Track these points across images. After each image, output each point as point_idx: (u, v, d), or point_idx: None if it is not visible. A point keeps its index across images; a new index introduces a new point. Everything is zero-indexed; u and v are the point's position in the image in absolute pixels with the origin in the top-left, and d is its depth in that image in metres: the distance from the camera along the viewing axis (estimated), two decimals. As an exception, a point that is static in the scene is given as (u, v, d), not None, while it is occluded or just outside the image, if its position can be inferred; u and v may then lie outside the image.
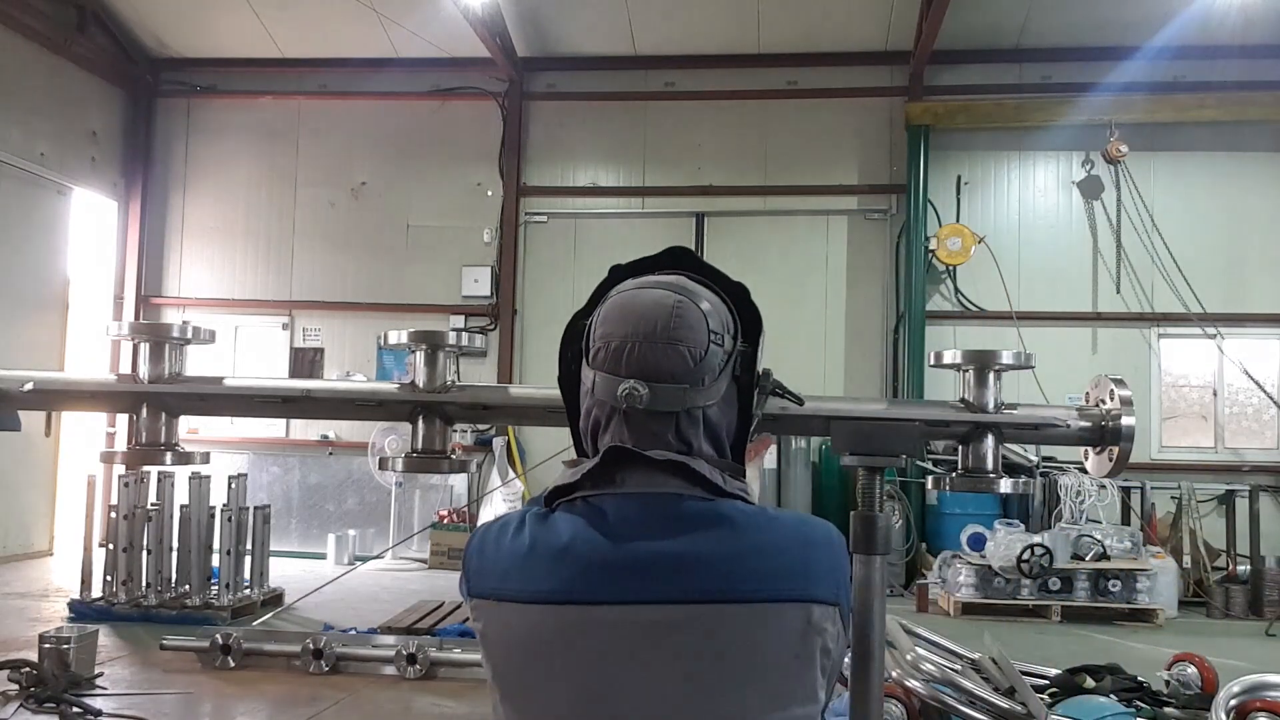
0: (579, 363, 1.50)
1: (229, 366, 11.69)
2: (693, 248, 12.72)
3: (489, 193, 12.16)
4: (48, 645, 5.79)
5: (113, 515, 8.03)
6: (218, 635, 6.40)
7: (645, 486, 1.36)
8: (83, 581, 8.00)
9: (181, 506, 8.11)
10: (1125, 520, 10.11)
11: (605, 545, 1.32)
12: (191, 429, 10.85)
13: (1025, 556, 8.76)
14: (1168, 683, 5.57)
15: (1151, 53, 10.75)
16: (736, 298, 1.60)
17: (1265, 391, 11.03)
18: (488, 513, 11.14)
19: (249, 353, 12.16)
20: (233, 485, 8.29)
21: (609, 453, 1.37)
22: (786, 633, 1.31)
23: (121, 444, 7.61)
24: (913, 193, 11.31)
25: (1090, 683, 5.36)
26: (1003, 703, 4.57)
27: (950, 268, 11.34)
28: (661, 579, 1.29)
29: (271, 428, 11.76)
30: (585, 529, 1.34)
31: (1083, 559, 8.99)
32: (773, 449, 10.47)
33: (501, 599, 1.36)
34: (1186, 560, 9.74)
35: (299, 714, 5.54)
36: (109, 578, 7.94)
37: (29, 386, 2.39)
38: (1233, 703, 4.83)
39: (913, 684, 4.76)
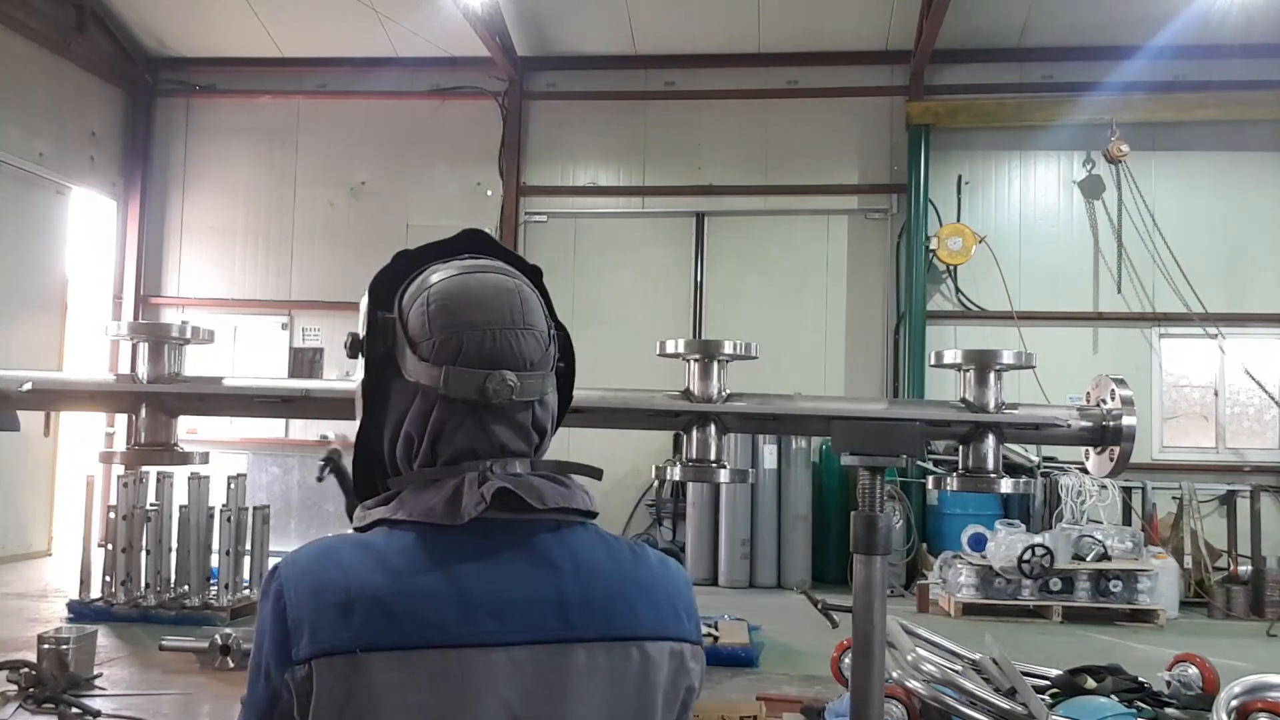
0: (388, 363, 1.32)
1: (228, 366, 11.67)
2: (694, 247, 12.80)
3: (489, 192, 12.15)
4: (46, 646, 5.78)
5: (111, 515, 8.02)
6: (217, 636, 6.38)
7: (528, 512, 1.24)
8: (81, 582, 7.99)
9: (180, 507, 8.11)
10: (1126, 520, 10.10)
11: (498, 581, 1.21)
12: (190, 429, 10.81)
13: (1026, 557, 8.75)
14: (1169, 683, 5.56)
15: (1152, 52, 10.74)
16: (535, 281, 1.46)
17: (1266, 391, 11.02)
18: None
19: (248, 353, 12.14)
20: (232, 485, 8.28)
21: (498, 494, 1.22)
22: (664, 671, 1.25)
23: (120, 444, 7.58)
24: (913, 192, 11.30)
25: (1091, 683, 5.35)
26: (1003, 703, 4.56)
27: (951, 267, 11.33)
28: (560, 616, 1.21)
29: (271, 428, 11.74)
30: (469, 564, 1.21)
31: (1084, 559, 8.98)
32: (773, 449, 10.47)
33: (374, 649, 1.13)
34: (1188, 561, 9.73)
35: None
36: (108, 578, 7.93)
37: (28, 386, 2.39)
38: (1234, 703, 4.82)
39: (913, 684, 4.75)
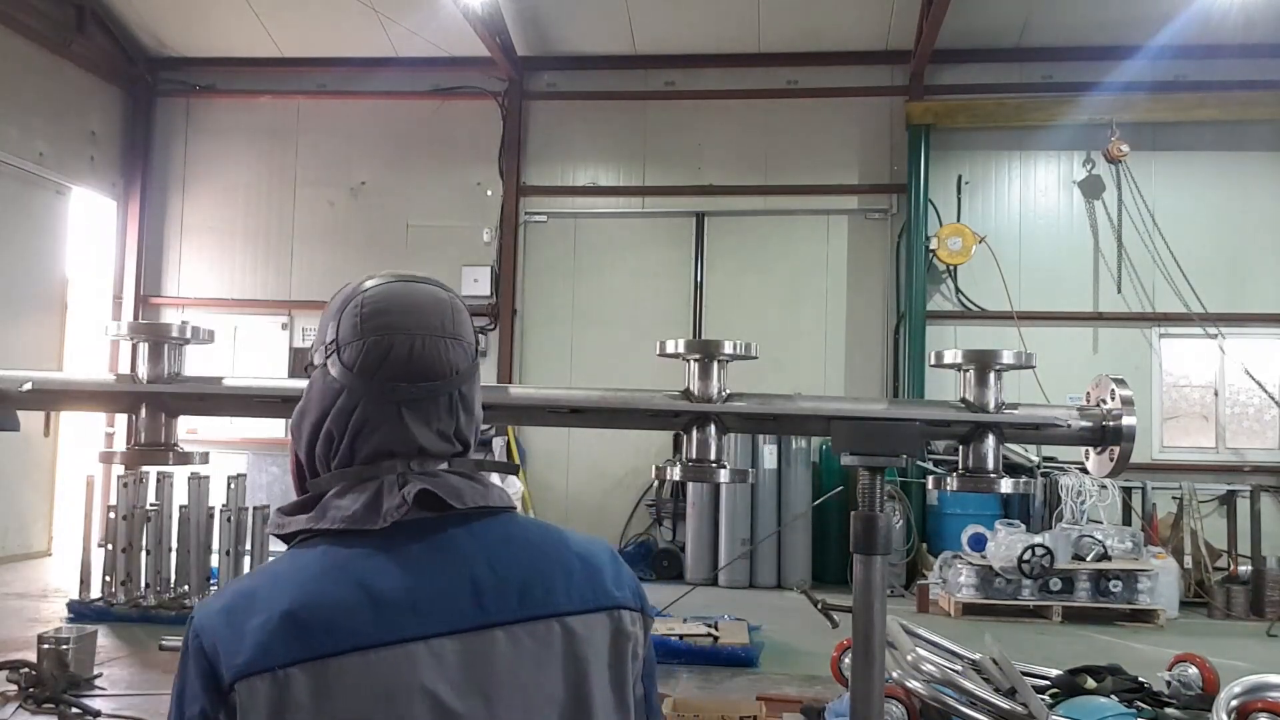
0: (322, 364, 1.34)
1: (228, 366, 11.67)
2: (694, 247, 12.80)
3: (489, 192, 12.15)
4: (46, 646, 5.78)
5: (111, 515, 8.02)
6: (217, 636, 6.37)
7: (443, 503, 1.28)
8: (81, 582, 7.99)
9: (180, 507, 8.11)
10: (1126, 520, 10.10)
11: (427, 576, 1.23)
12: (190, 429, 10.82)
13: (1026, 557, 8.75)
14: (1169, 683, 5.56)
15: (1153, 52, 10.75)
16: None
17: (1267, 391, 11.02)
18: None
19: (248, 353, 12.14)
20: (232, 485, 8.28)
21: (420, 495, 1.25)
22: (597, 642, 1.28)
23: (120, 444, 7.59)
24: (913, 192, 11.30)
25: (1091, 683, 5.35)
26: (1003, 703, 4.56)
27: (951, 267, 11.33)
28: (500, 600, 1.24)
29: (271, 428, 11.71)
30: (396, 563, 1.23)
31: (1084, 559, 8.98)
32: (773, 449, 10.48)
33: (293, 663, 1.13)
34: (1188, 560, 9.73)
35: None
36: (108, 578, 7.93)
37: (28, 386, 2.38)
38: (1234, 703, 4.82)
39: (913, 684, 4.75)
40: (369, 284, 1.35)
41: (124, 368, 2.51)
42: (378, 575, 1.20)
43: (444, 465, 1.30)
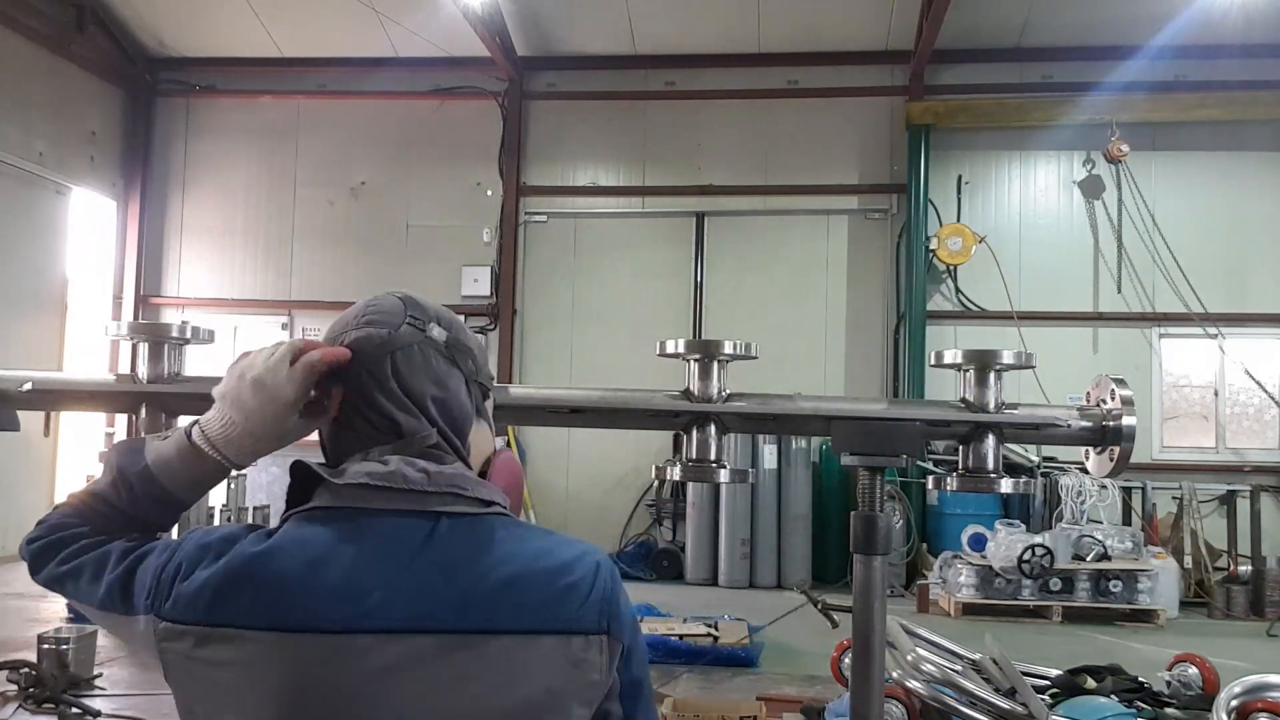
0: None
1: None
2: (694, 247, 12.79)
3: (489, 192, 12.15)
4: (46, 646, 5.78)
5: (112, 515, 8.01)
6: (217, 635, 6.37)
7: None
8: (82, 582, 7.97)
9: (181, 507, 8.09)
10: (1126, 520, 10.10)
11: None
12: (191, 429, 10.82)
13: (1026, 557, 8.75)
14: (1169, 683, 5.56)
15: (1153, 52, 10.74)
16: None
17: (1267, 391, 11.02)
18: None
19: (248, 353, 12.13)
20: (232, 485, 8.29)
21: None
22: (541, 665, 1.25)
23: (121, 444, 7.58)
24: (913, 192, 11.30)
25: (1091, 683, 5.35)
26: (1004, 703, 4.56)
27: (951, 267, 11.33)
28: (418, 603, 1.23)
29: (271, 428, 11.73)
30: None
31: (1084, 559, 8.98)
32: (773, 449, 10.47)
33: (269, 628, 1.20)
34: (1188, 561, 9.73)
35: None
36: (108, 578, 7.92)
37: (27, 387, 2.38)
38: (1234, 703, 4.81)
39: (913, 685, 4.75)
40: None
41: (124, 368, 2.50)
42: (325, 559, 1.23)
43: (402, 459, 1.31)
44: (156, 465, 1.37)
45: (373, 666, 1.19)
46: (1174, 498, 10.24)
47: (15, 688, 5.58)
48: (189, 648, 1.22)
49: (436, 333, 1.39)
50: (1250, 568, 9.57)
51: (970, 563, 9.07)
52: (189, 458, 1.38)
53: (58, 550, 1.36)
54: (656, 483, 11.19)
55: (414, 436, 1.34)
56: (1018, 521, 9.53)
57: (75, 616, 7.63)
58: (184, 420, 2.19)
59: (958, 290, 11.44)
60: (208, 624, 1.21)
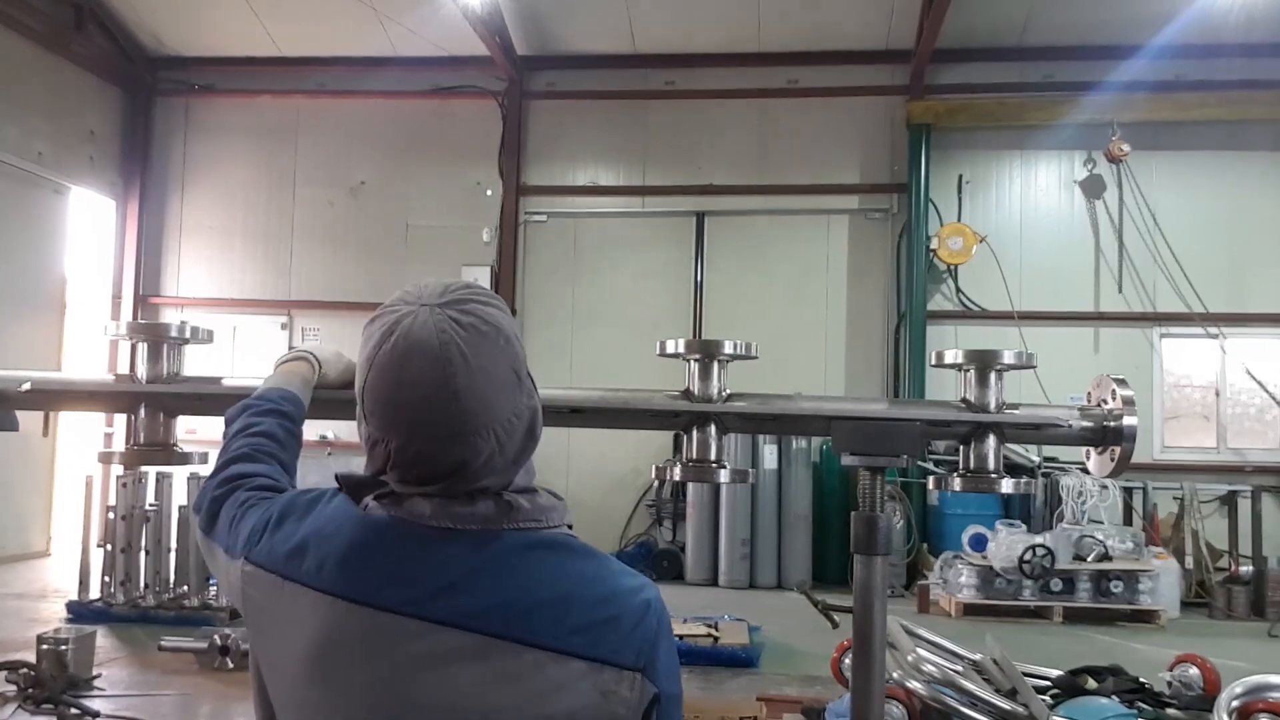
0: None
1: (227, 366, 11.66)
2: (694, 247, 12.79)
3: (488, 192, 12.14)
4: (45, 646, 5.77)
5: (110, 516, 8.01)
6: (216, 636, 6.38)
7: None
8: (80, 582, 7.98)
9: (180, 507, 8.09)
10: (1127, 521, 10.09)
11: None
12: (190, 429, 10.73)
13: (1027, 557, 8.74)
14: (1170, 684, 5.55)
15: (1153, 51, 10.73)
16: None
17: (1268, 391, 11.02)
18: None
19: (248, 352, 12.13)
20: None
21: None
22: (576, 689, 1.25)
23: (119, 444, 7.56)
24: (914, 192, 11.30)
25: (1092, 684, 5.34)
26: (1004, 704, 4.55)
27: (951, 267, 11.32)
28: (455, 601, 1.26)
29: (271, 428, 11.71)
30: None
31: (1085, 560, 8.97)
32: (773, 449, 10.47)
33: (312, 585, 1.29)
34: (1189, 561, 9.73)
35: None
36: (107, 578, 7.92)
37: (26, 386, 2.38)
38: (1235, 704, 4.80)
39: (914, 685, 4.75)
40: (376, 348, 1.34)
41: (123, 368, 2.50)
42: (391, 546, 1.31)
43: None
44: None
45: (410, 651, 1.24)
46: (1175, 498, 10.23)
47: (14, 688, 5.57)
48: (262, 594, 1.34)
49: None
50: (1251, 568, 9.56)
51: (971, 563, 9.06)
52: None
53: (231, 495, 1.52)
54: (656, 483, 11.19)
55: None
56: (1018, 522, 9.53)
57: (74, 616, 7.64)
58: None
59: (958, 290, 11.44)
60: (283, 575, 1.31)
